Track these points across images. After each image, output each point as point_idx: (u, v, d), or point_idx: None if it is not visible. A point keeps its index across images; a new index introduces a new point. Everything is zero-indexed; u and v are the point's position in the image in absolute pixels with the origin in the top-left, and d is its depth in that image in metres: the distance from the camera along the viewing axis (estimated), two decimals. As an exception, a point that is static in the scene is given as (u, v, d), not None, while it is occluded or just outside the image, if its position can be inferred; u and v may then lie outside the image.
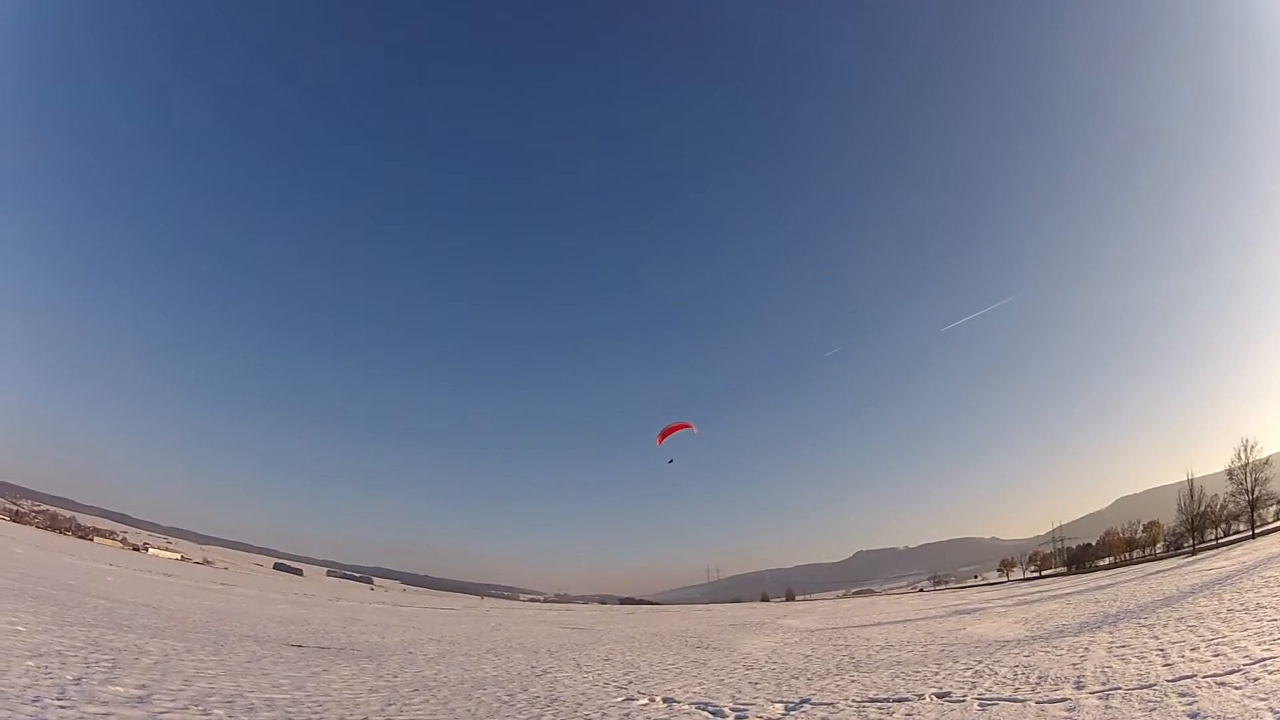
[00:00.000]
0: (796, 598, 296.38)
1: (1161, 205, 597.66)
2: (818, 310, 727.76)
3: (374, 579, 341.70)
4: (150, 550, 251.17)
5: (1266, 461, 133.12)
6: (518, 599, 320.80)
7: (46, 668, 17.30)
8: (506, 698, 21.31)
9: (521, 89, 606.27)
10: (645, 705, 20.03)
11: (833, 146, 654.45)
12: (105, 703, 14.66)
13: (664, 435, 64.53)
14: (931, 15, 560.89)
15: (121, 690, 16.18)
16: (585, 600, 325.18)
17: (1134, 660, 20.49)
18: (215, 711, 15.40)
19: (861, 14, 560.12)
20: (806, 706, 18.70)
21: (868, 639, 41.54)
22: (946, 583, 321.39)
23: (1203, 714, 13.04)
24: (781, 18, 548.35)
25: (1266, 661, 16.67)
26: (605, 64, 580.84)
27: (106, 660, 19.97)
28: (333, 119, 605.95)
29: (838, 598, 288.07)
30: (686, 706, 19.58)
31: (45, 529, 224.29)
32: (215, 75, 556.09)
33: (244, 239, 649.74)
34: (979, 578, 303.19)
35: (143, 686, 16.98)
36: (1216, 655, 18.86)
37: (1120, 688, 16.62)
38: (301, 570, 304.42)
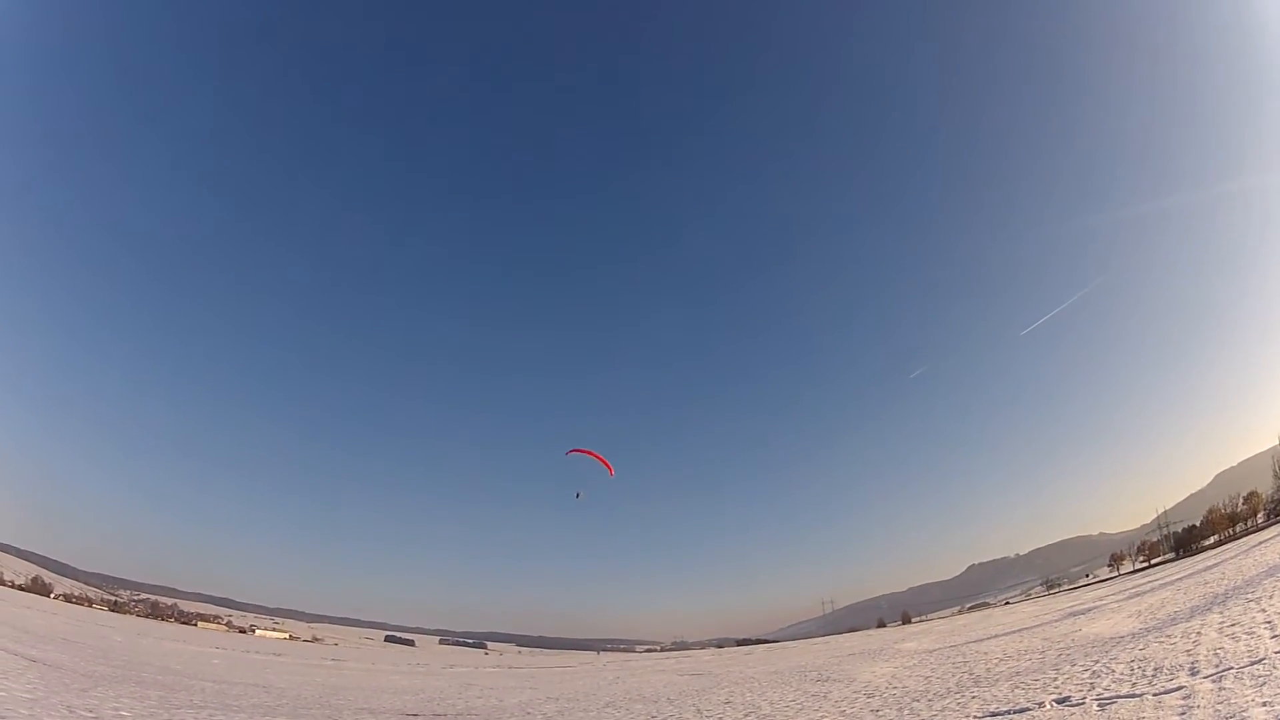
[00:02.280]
0: (912, 620, 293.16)
1: (1245, 171, 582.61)
2: (899, 334, 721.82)
3: (487, 643, 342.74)
4: (257, 631, 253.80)
5: None
6: (634, 650, 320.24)
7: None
8: (629, 749, 21.14)
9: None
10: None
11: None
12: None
13: (584, 452, 65.36)
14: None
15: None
16: (702, 645, 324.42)
17: (1243, 637, 20.52)
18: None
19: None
20: None
21: (985, 653, 40.98)
22: (1059, 585, 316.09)
23: None
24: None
25: None
26: (640, 65, 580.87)
27: (216, 740, 19.86)
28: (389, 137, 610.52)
29: (953, 615, 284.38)
30: (810, 740, 19.25)
31: (146, 617, 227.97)
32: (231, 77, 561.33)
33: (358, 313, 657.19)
34: (1090, 576, 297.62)
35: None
36: None
37: (1232, 668, 16.58)
38: (413, 641, 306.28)
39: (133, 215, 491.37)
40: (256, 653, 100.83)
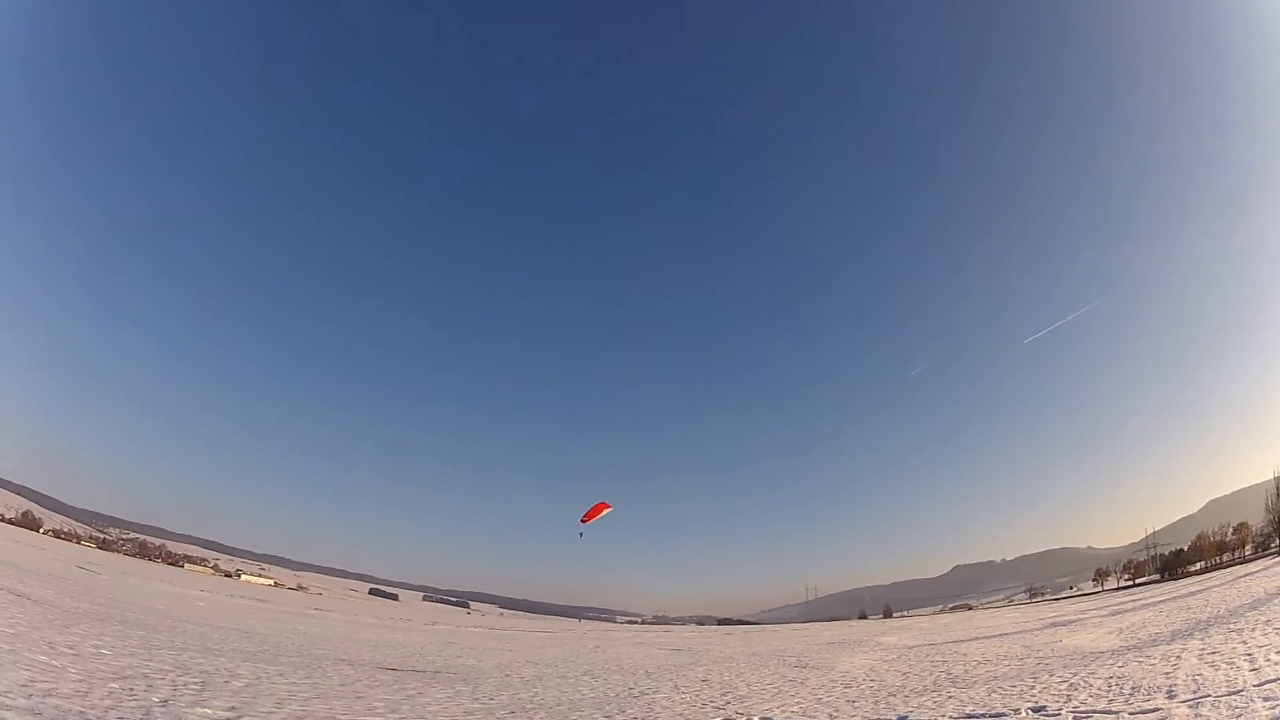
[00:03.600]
0: (894, 614, 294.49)
1: (1248, 204, 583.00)
2: (903, 331, 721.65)
3: (470, 603, 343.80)
4: (243, 576, 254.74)
5: None
6: (615, 621, 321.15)
7: (132, 690, 17.17)
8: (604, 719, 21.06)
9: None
10: (743, 726, 19.73)
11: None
12: (192, 725, 14.49)
13: (589, 517, 66.14)
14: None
15: (210, 712, 16.02)
16: (683, 621, 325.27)
17: (1223, 666, 20.49)
18: (308, 733, 15.22)
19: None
20: None
21: (964, 654, 41.12)
22: (1043, 595, 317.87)
23: None
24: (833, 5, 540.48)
25: None
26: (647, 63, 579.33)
27: (195, 683, 19.85)
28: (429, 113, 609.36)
29: (935, 613, 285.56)
30: (785, 726, 19.21)
31: (134, 556, 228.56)
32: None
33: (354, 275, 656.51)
34: (1074, 588, 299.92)
35: (232, 709, 16.83)
36: None
37: (1209, 695, 16.58)
38: (397, 595, 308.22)
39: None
40: (241, 597, 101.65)
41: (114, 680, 18.16)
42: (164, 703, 16.25)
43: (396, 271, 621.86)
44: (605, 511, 66.77)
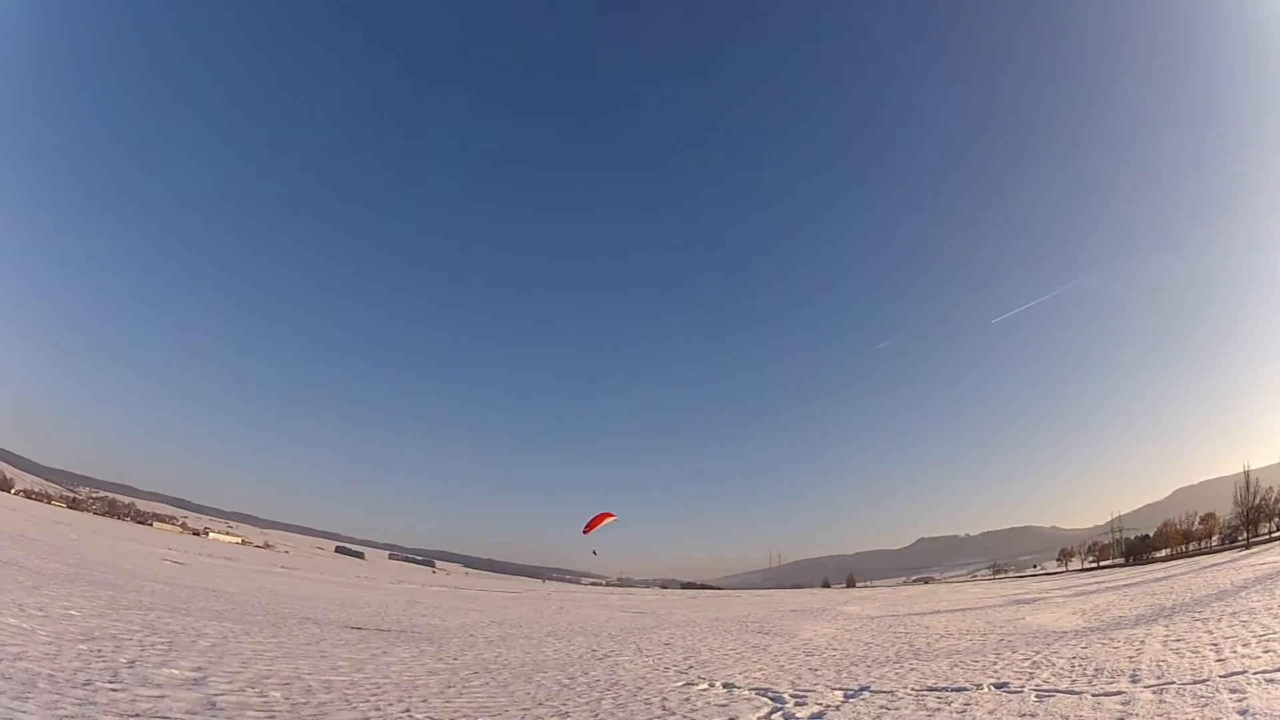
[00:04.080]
0: (857, 584, 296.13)
1: (1232, 198, 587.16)
2: (869, 304, 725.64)
3: (436, 562, 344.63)
4: (211, 535, 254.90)
5: None
6: (580, 582, 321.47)
7: (100, 651, 17.30)
8: (567, 681, 21.27)
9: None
10: (705, 690, 19.99)
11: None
12: (159, 685, 14.60)
13: (591, 526, 66.16)
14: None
15: (177, 673, 16.15)
16: (647, 584, 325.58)
17: (1188, 654, 20.42)
18: (272, 693, 15.34)
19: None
20: (866, 694, 18.61)
21: (927, 627, 41.40)
22: (1006, 572, 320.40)
23: (1252, 711, 12.99)
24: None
25: None
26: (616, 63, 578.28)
27: (163, 643, 19.98)
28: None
29: (898, 585, 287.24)
30: (746, 692, 19.54)
31: (103, 515, 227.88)
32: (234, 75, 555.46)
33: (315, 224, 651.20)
34: (1038, 567, 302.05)
35: (199, 669, 16.96)
36: (1267, 651, 18.90)
37: (1174, 682, 16.54)
38: (363, 553, 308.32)
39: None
40: (209, 556, 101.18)
41: (83, 641, 18.28)
42: (131, 664, 16.39)
43: (360, 218, 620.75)
44: (609, 520, 66.88)
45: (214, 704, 13.71)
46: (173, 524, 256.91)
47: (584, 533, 65.80)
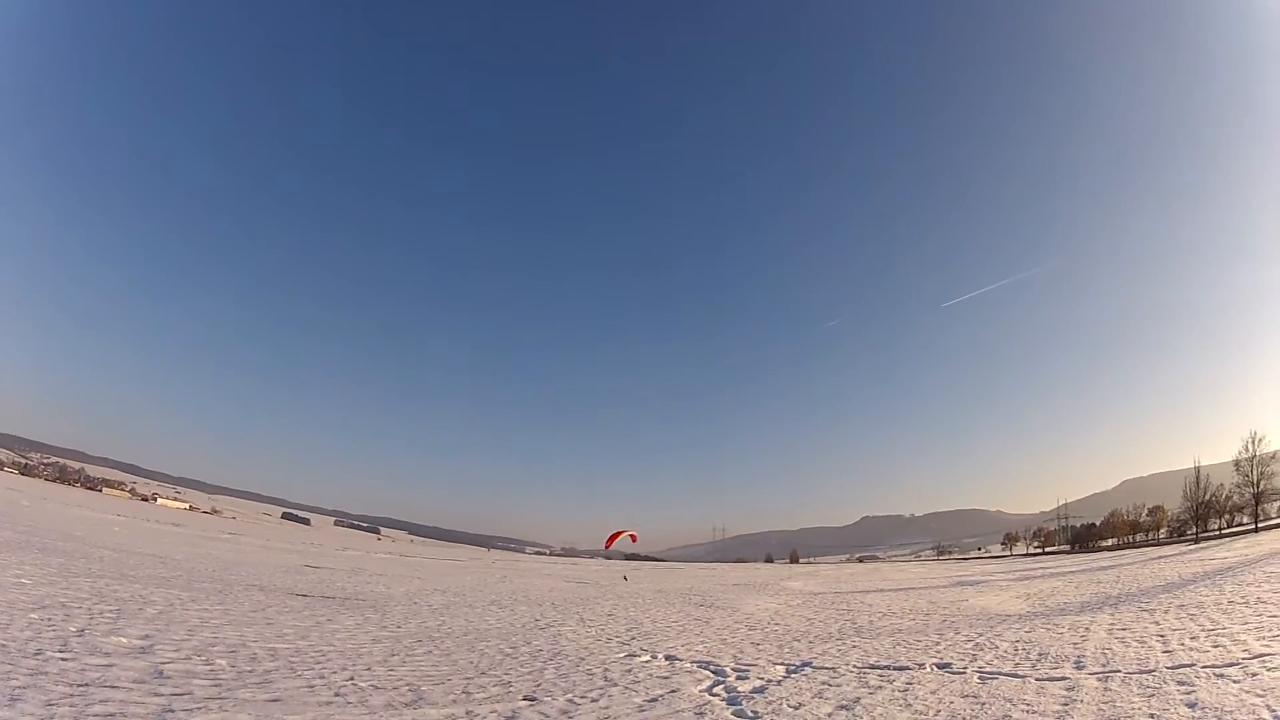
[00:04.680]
0: (800, 560, 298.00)
1: (1189, 198, 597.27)
2: (819, 282, 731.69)
3: (381, 529, 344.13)
4: (159, 501, 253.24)
5: (1274, 456, 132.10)
6: (524, 552, 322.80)
7: (50, 620, 17.36)
8: (510, 650, 21.46)
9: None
10: (647, 662, 20.21)
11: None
12: (108, 654, 14.69)
13: (610, 543, 66.43)
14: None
15: (124, 641, 16.23)
16: (591, 555, 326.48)
17: (1134, 644, 20.42)
18: (218, 661, 15.47)
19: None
20: (808, 670, 18.83)
21: (870, 605, 41.94)
22: (950, 553, 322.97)
23: (1200, 704, 12.93)
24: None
25: (1266, 657, 16.50)
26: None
27: (111, 611, 20.05)
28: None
29: (841, 562, 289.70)
30: (688, 665, 19.75)
31: (54, 481, 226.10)
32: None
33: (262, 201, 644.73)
34: (982, 550, 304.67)
35: (146, 637, 17.05)
36: (1216, 646, 18.76)
37: (1119, 671, 16.55)
38: (309, 520, 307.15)
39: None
40: (157, 522, 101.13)
41: (33, 610, 18.35)
42: (80, 632, 16.49)
43: (310, 179, 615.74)
44: (625, 536, 66.97)
45: (161, 672, 13.83)
46: (121, 489, 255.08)
47: (605, 547, 66.06)
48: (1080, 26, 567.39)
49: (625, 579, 73.14)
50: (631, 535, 63.62)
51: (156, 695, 12.12)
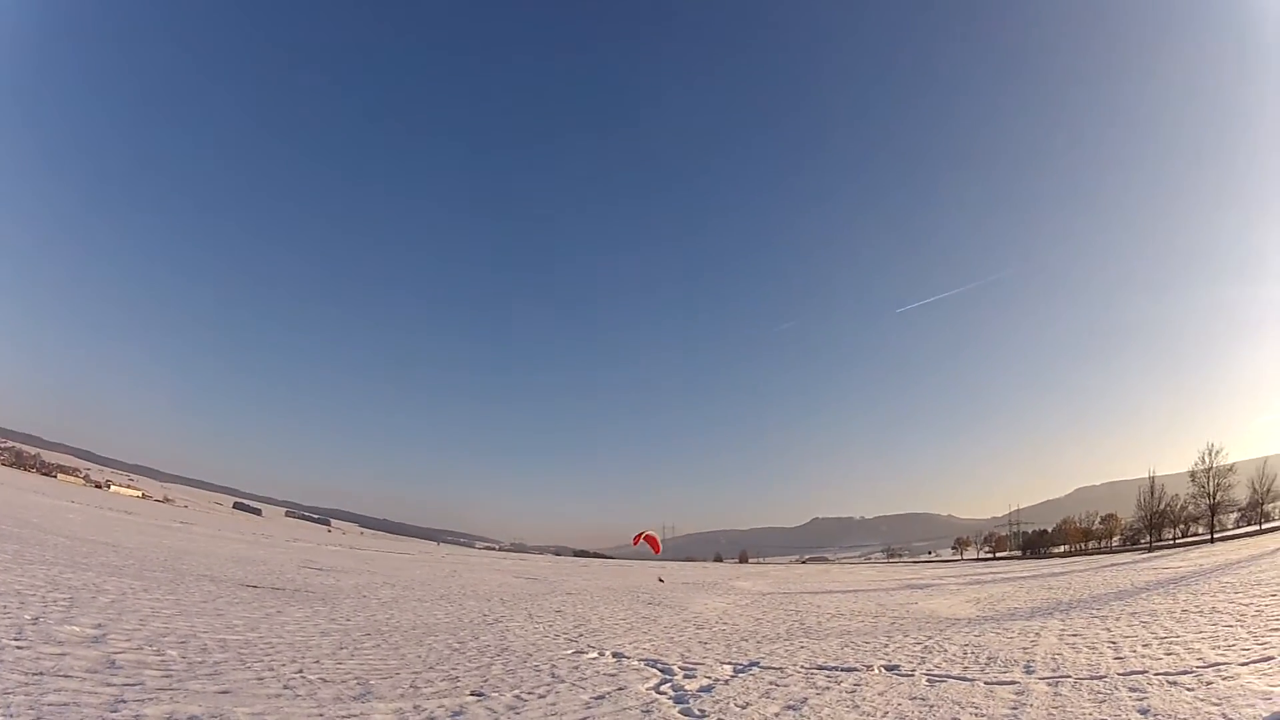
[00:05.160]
0: (750, 560, 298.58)
1: (1145, 211, 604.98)
2: (772, 285, 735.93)
3: (331, 520, 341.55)
4: (113, 488, 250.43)
5: (1231, 468, 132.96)
6: (473, 546, 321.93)
7: (5, 608, 17.42)
8: (457, 645, 21.60)
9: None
10: (595, 659, 20.36)
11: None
12: (61, 643, 14.78)
13: (639, 539, 66.80)
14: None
15: (78, 630, 16.30)
16: (540, 551, 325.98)
17: (1085, 650, 20.47)
18: (169, 652, 15.54)
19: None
20: (755, 669, 18.98)
21: (819, 606, 41.99)
22: (900, 556, 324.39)
23: (1153, 711, 12.98)
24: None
25: (1221, 666, 16.46)
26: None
27: (64, 599, 20.10)
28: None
29: (791, 563, 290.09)
30: (636, 663, 19.92)
31: (10, 466, 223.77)
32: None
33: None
34: (933, 554, 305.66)
35: (99, 626, 17.12)
36: (1169, 654, 18.82)
37: (1070, 676, 16.61)
38: (260, 510, 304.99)
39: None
40: (111, 509, 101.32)
41: (-12, 598, 18.37)
42: (35, 620, 16.55)
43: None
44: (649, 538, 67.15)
45: (113, 662, 13.95)
46: (76, 476, 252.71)
47: (633, 544, 66.39)
48: (1052, 34, 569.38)
49: (661, 580, 73.14)
50: (651, 540, 64.18)
51: (109, 685, 12.24)
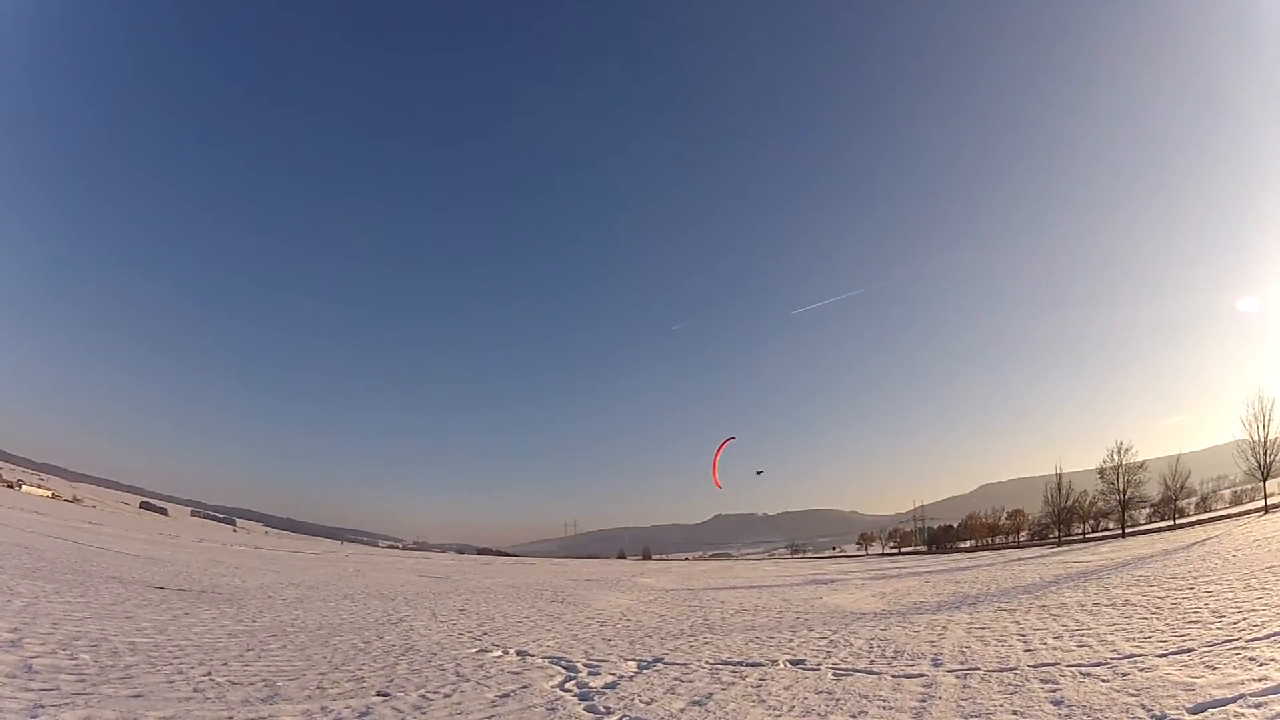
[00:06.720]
0: (653, 557, 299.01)
1: (1054, 227, 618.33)
2: (666, 286, 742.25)
3: (237, 520, 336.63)
4: (25, 488, 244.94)
5: (1142, 465, 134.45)
6: (376, 545, 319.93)
7: (-80, 616, 17.43)
8: (363, 645, 21.90)
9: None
10: (499, 657, 20.68)
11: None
12: (-20, 647, 14.89)
13: (718, 456, 66.38)
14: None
15: (-4, 634, 16.39)
16: (443, 549, 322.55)
17: (994, 643, 20.74)
18: (82, 656, 15.76)
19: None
20: (660, 665, 19.32)
21: (722, 602, 42.51)
22: (804, 552, 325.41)
23: (1067, 702, 13.08)
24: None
25: (1137, 658, 16.60)
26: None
27: (-21, 604, 20.10)
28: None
29: (694, 559, 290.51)
30: (540, 660, 20.26)
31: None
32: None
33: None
34: (837, 549, 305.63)
35: (15, 630, 17.33)
36: (1081, 646, 19.08)
37: (979, 668, 16.84)
38: (166, 510, 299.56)
39: None
40: (22, 510, 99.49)
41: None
42: (-49, 626, 16.58)
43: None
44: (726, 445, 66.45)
45: (30, 667, 14.23)
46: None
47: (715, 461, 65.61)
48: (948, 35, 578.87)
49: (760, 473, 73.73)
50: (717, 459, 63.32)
51: (28, 690, 12.51)
